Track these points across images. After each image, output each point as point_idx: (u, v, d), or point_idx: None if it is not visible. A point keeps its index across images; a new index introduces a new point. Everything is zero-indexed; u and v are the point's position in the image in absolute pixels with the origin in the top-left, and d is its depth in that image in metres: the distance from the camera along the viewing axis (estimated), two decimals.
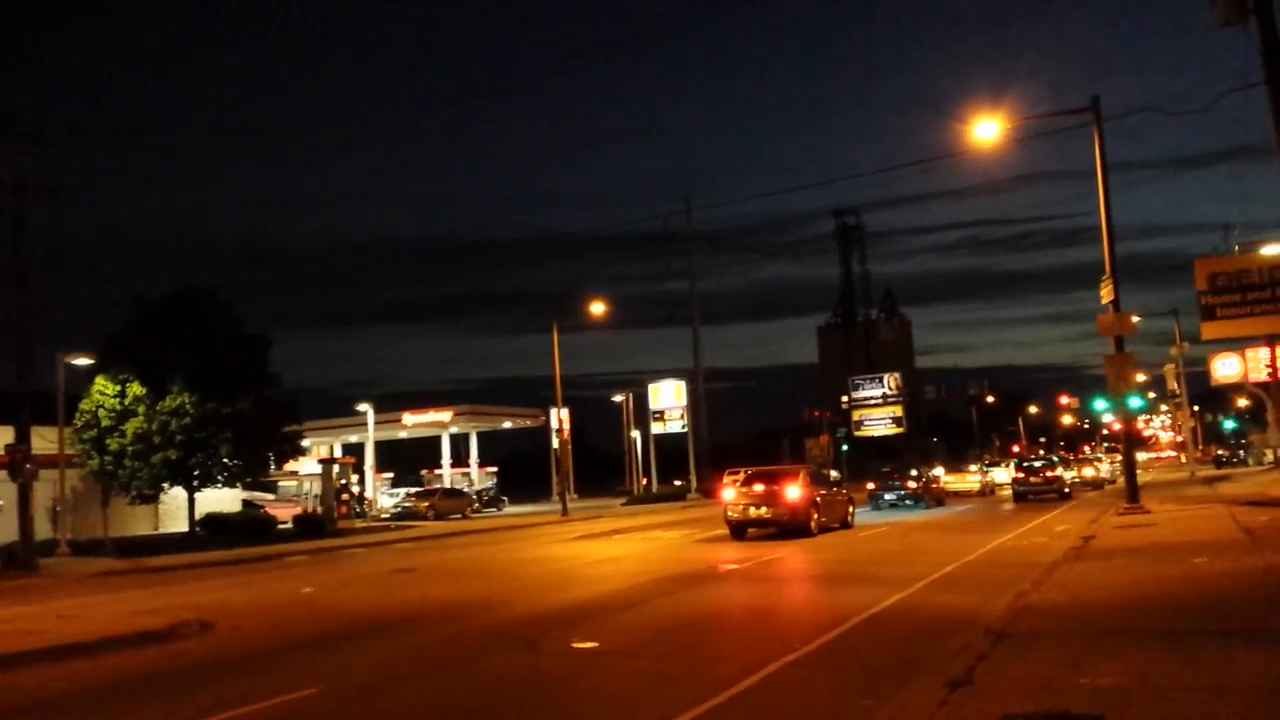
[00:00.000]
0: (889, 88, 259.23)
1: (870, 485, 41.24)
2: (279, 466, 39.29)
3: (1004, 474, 54.69)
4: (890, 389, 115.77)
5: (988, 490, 51.79)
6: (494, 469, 74.31)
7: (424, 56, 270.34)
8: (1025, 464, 47.10)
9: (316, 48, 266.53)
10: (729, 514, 24.92)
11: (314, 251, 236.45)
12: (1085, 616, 9.30)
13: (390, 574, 19.20)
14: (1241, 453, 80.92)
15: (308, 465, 51.51)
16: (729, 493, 25.96)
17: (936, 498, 40.73)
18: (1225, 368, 44.78)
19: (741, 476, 26.05)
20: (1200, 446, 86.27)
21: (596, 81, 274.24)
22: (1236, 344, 40.07)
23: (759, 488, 24.89)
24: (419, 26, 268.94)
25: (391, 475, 67.13)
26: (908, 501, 38.56)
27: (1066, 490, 43.23)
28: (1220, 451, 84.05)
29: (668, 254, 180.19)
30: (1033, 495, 41.72)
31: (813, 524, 24.05)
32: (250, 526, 33.39)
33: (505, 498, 62.58)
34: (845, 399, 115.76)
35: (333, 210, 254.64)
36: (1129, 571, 12.40)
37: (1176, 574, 11.75)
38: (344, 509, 39.04)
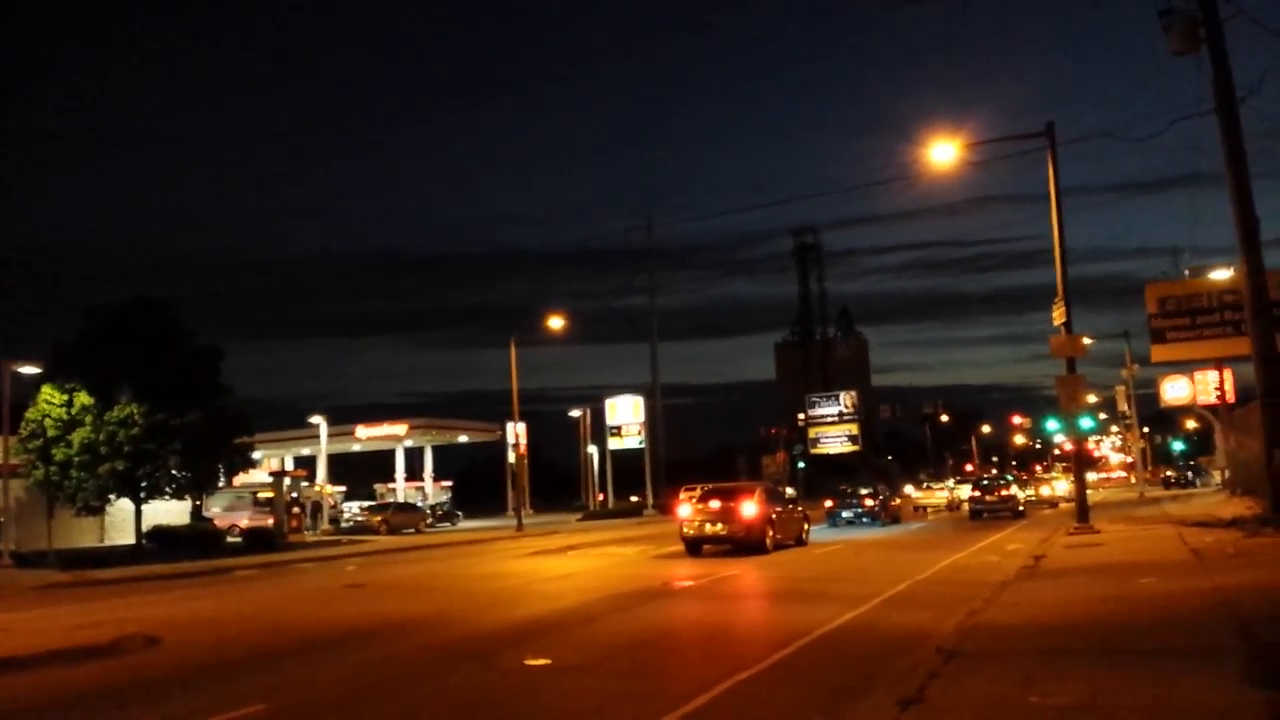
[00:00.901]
0: (848, 110, 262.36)
1: (829, 503, 41.74)
2: (229, 479, 38.76)
3: (968, 490, 55.73)
4: (846, 407, 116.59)
5: (955, 505, 53.92)
6: (449, 483, 73.78)
7: (384, 71, 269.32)
8: (981, 483, 48.65)
9: (275, 62, 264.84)
10: (685, 530, 24.89)
11: (269, 263, 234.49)
12: (1035, 635, 9.37)
13: (341, 589, 18.97)
14: (1190, 474, 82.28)
15: (259, 479, 50.87)
16: (685, 509, 25.82)
17: (893, 515, 41.34)
18: (1174, 390, 45.56)
19: (698, 493, 26.13)
20: (1149, 467, 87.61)
21: (557, 98, 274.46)
22: (1185, 367, 40.85)
23: (715, 504, 24.86)
24: (377, 42, 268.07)
25: (344, 489, 66.48)
26: (865, 519, 38.95)
27: (1020, 509, 44.24)
28: (1169, 473, 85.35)
29: (627, 270, 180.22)
30: (988, 513, 42.77)
31: (768, 541, 24.15)
32: (199, 540, 32.93)
33: (460, 512, 62.15)
34: (802, 416, 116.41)
35: (289, 223, 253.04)
36: (1079, 591, 12.53)
37: (1125, 594, 11.89)
38: (295, 522, 38.54)
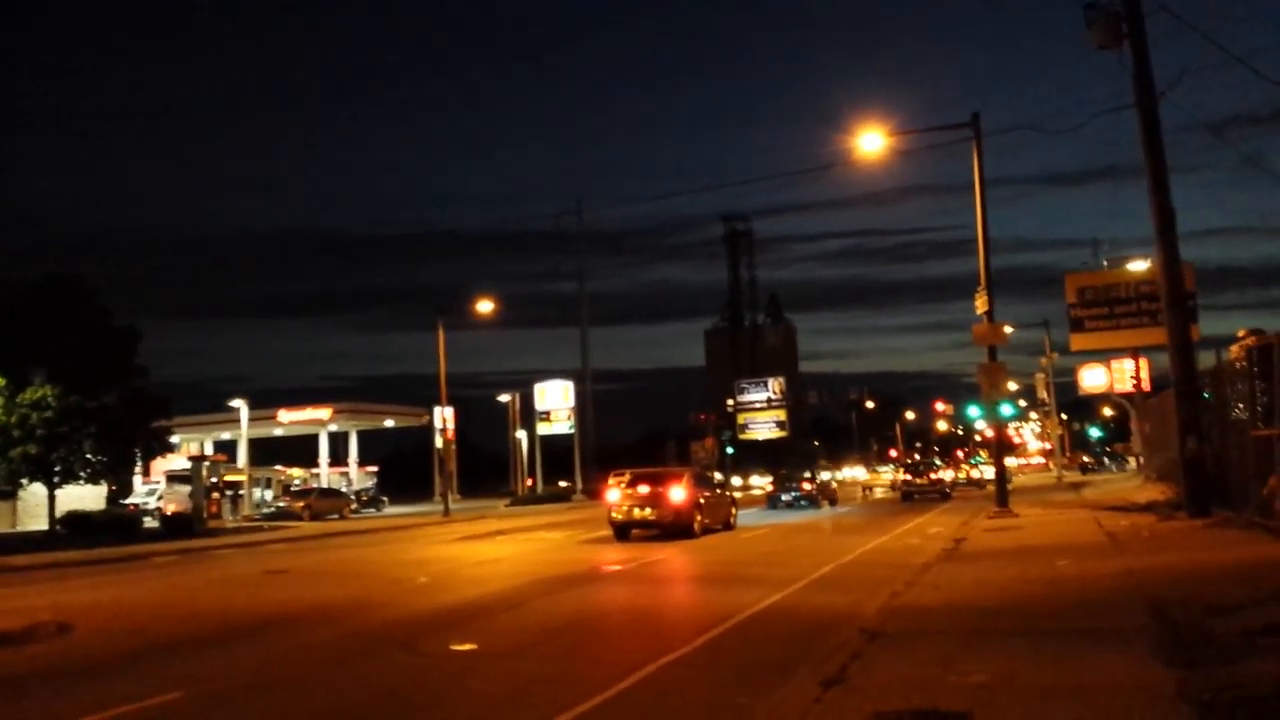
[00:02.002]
0: (777, 97, 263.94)
1: (769, 487, 43.58)
2: (146, 463, 37.92)
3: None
4: (775, 393, 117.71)
5: (897, 486, 55.40)
6: (374, 469, 73.01)
7: (310, 49, 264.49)
8: (911, 467, 51.97)
9: (197, 38, 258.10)
10: (613, 515, 24.94)
11: (188, 242, 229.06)
12: (955, 616, 9.54)
13: (262, 575, 18.65)
14: (1106, 460, 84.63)
15: (177, 463, 49.81)
16: (613, 494, 26.10)
17: (830, 498, 42.69)
18: (1092, 378, 46.82)
19: (626, 478, 26.21)
20: (1067, 453, 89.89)
21: (486, 79, 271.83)
22: (1103, 355, 41.94)
23: (643, 489, 24.96)
24: (304, 20, 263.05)
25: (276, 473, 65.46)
26: (803, 502, 40.18)
27: (947, 491, 46.33)
28: (1086, 458, 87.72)
29: (557, 254, 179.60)
30: (918, 495, 44.82)
31: (696, 525, 24.28)
32: (115, 525, 32.18)
33: (385, 498, 61.53)
34: (731, 402, 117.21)
35: (209, 201, 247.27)
36: (997, 573, 12.79)
37: (1042, 576, 12.17)
38: (214, 508, 37.82)
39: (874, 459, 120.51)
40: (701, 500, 25.26)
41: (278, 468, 60.70)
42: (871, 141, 26.64)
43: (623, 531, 24.68)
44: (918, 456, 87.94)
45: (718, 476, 46.05)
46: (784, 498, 40.95)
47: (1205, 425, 18.02)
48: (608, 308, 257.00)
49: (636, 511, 24.44)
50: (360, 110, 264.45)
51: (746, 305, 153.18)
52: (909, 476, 48.35)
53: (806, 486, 42.13)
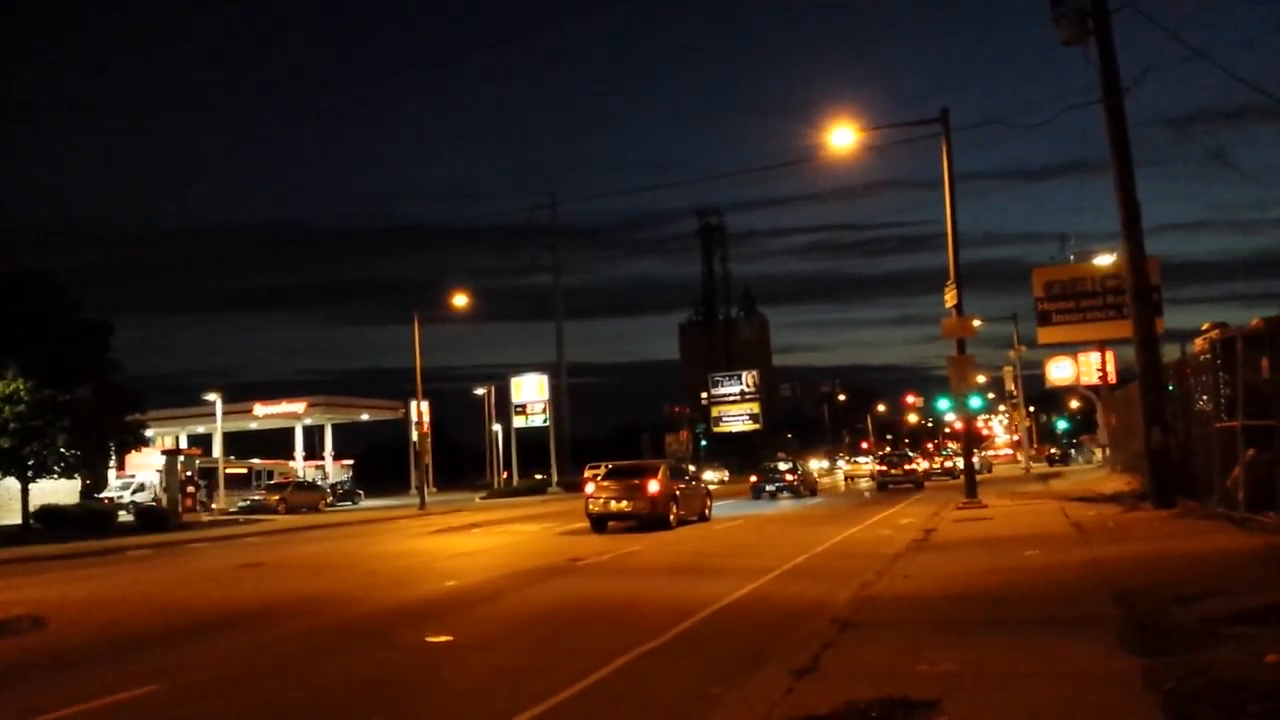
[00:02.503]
0: (749, 92, 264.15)
1: (753, 478, 45.50)
2: (120, 457, 37.66)
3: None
4: (748, 386, 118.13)
5: (875, 476, 58.27)
6: (350, 462, 72.71)
7: (284, 42, 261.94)
8: (887, 458, 54.45)
9: (171, 30, 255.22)
10: (590, 507, 25.07)
11: (163, 236, 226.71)
12: (925, 606, 9.68)
13: (237, 569, 18.61)
14: (1073, 452, 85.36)
15: (152, 457, 49.43)
16: (590, 486, 26.47)
17: (810, 488, 45.49)
18: (1059, 371, 47.25)
19: (602, 471, 26.32)
20: (1035, 445, 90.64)
21: (459, 73, 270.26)
22: (1070, 348, 42.34)
23: (620, 482, 25.25)
24: (277, 13, 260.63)
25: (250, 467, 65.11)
26: (785, 492, 42.56)
27: (921, 481, 48.86)
28: (1053, 450, 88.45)
29: (532, 248, 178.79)
30: (893, 485, 46.89)
31: (672, 517, 24.61)
32: (89, 520, 31.95)
33: (361, 491, 61.32)
34: (705, 395, 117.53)
35: (183, 194, 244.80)
36: (966, 563, 12.96)
37: (1010, 565, 12.34)
38: (189, 501, 37.62)
39: (846, 451, 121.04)
40: (677, 492, 25.50)
41: (278, 460, 60.77)
42: (842, 137, 26.82)
43: (600, 523, 24.80)
44: (889, 449, 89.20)
45: (691, 468, 46.53)
46: (768, 488, 42.52)
47: (1170, 417, 18.29)
48: (582, 301, 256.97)
49: (613, 504, 24.62)
50: (335, 104, 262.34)
51: (720, 299, 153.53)
52: (885, 467, 50.30)
53: (789, 477, 43.78)
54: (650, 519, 24.33)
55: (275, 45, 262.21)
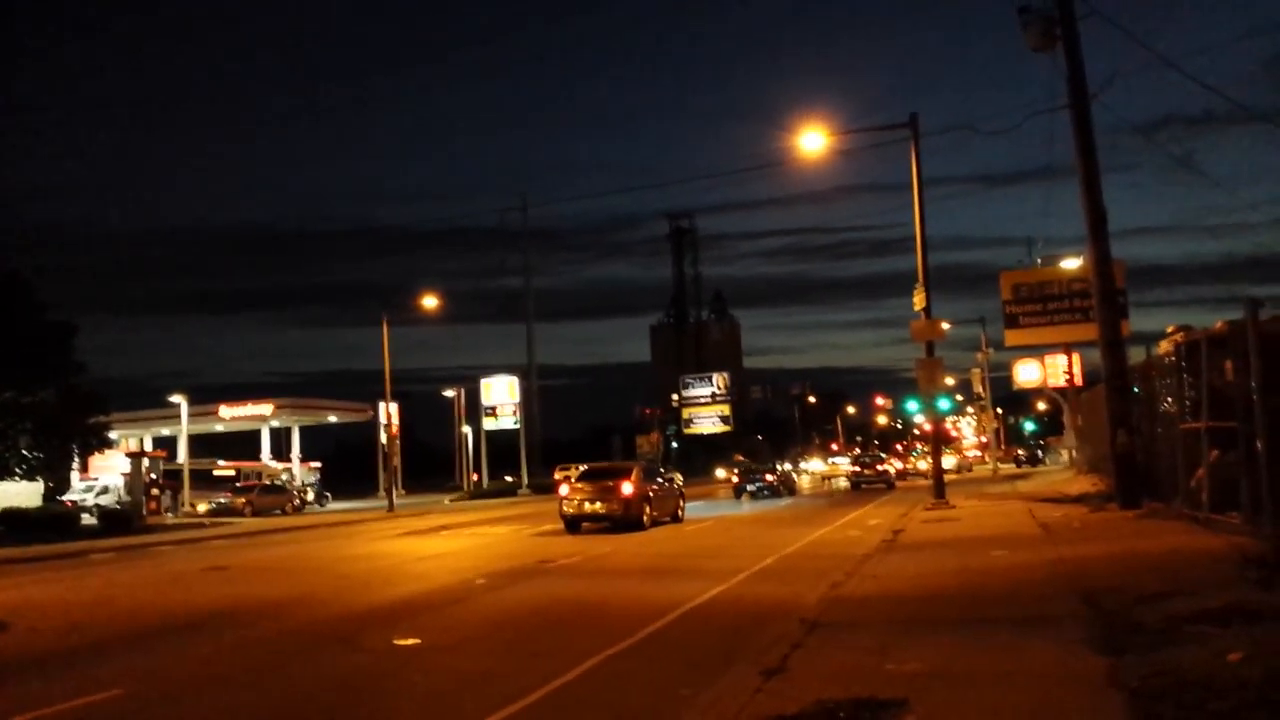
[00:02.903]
0: (721, 96, 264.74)
1: (735, 479, 48.13)
2: (84, 460, 37.23)
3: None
4: (719, 388, 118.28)
5: (850, 476, 61.17)
6: (318, 464, 72.16)
7: (255, 42, 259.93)
8: (861, 459, 58.11)
9: (136, 28, 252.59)
10: (564, 509, 25.18)
11: (128, 236, 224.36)
12: (893, 606, 9.72)
13: (203, 572, 18.42)
14: (1039, 453, 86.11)
15: (116, 460, 48.87)
16: (564, 488, 26.74)
17: (790, 488, 47.66)
18: (1026, 373, 47.55)
19: (576, 473, 26.56)
20: (1003, 447, 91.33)
21: (429, 75, 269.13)
22: (1037, 350, 42.65)
23: (594, 483, 25.40)
24: (249, 10, 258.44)
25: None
26: (765, 492, 44.21)
27: (892, 481, 51.45)
28: (1020, 451, 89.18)
29: (502, 250, 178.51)
30: (865, 484, 49.90)
31: (646, 518, 24.82)
32: (52, 523, 31.48)
33: (328, 494, 60.88)
34: (676, 397, 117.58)
35: (149, 194, 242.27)
36: (934, 563, 13.03)
37: (978, 566, 12.42)
38: (154, 504, 37.21)
39: (816, 452, 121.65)
40: (651, 493, 25.69)
41: (270, 463, 60.31)
42: (812, 141, 26.95)
43: (574, 525, 24.87)
44: (858, 450, 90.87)
45: (664, 470, 47.12)
46: (749, 488, 44.29)
47: (1135, 419, 18.48)
48: (553, 303, 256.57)
49: (588, 505, 24.71)
50: (303, 105, 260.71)
51: (691, 301, 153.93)
52: (858, 468, 53.93)
53: (769, 478, 46.19)
54: (624, 520, 24.43)
55: (244, 44, 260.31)
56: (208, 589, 15.44)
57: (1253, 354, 9.50)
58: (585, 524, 24.89)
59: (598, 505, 24.62)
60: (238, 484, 52.81)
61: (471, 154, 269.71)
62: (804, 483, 66.57)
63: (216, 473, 55.94)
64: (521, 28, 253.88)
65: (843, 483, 61.11)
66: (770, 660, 7.36)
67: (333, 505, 56.17)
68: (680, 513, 28.00)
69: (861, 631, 8.43)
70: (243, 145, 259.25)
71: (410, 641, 9.80)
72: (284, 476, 59.08)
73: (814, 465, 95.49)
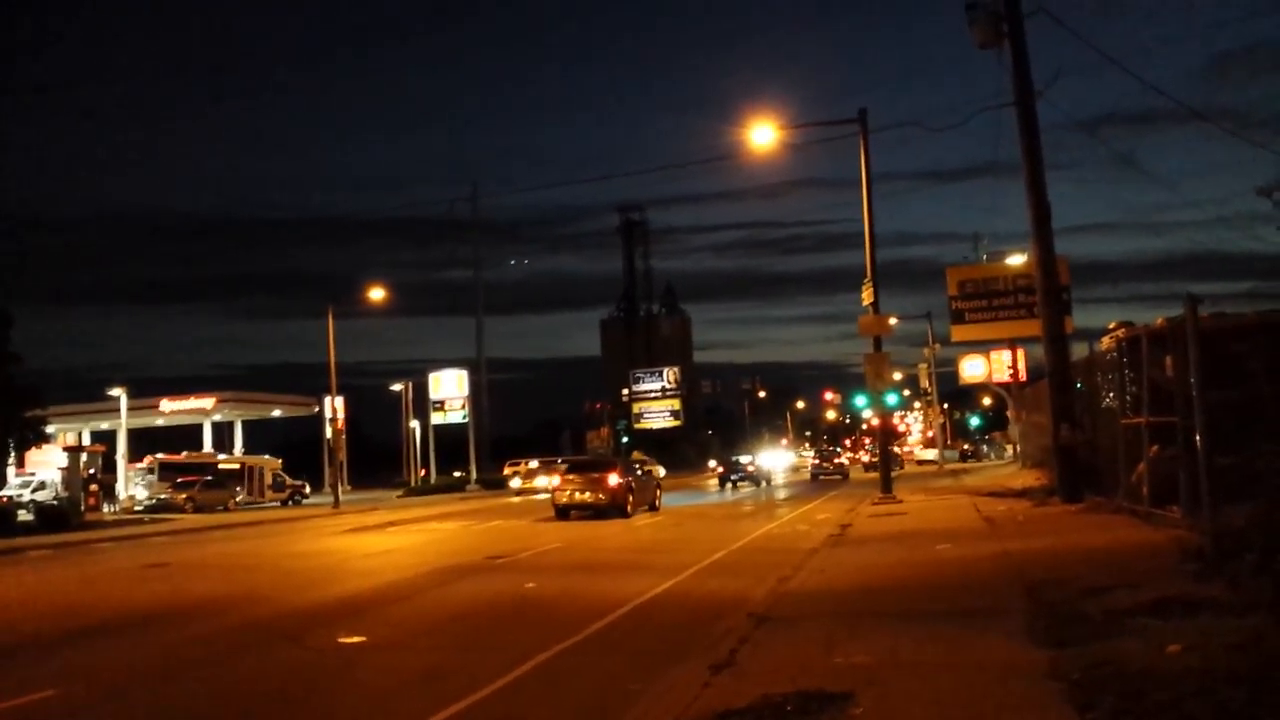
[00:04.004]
0: (669, 88, 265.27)
1: (720, 469, 55.83)
2: (20, 454, 36.36)
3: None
4: (670, 383, 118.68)
5: (811, 469, 67.04)
6: (279, 461, 71.04)
7: (197, 24, 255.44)
8: (821, 453, 65.56)
9: (82, 9, 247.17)
10: (556, 499, 27.41)
11: (66, 223, 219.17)
12: (840, 600, 9.78)
13: (143, 569, 18.07)
14: (984, 447, 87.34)
15: (53, 454, 47.83)
16: (555, 479, 29.46)
17: (766, 478, 53.43)
18: (972, 368, 48.31)
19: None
20: (949, 441, 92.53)
21: (379, 63, 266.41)
22: (982, 346, 43.29)
23: (583, 475, 27.76)
24: None
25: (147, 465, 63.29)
26: (746, 481, 50.55)
27: (848, 472, 57.60)
28: (966, 446, 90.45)
29: (450, 242, 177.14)
30: (823, 475, 55.87)
31: (629, 507, 26.92)
32: None
33: (306, 485, 59.89)
34: (626, 392, 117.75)
35: (86, 181, 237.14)
36: (881, 557, 13.14)
37: (923, 559, 12.54)
38: (92, 500, 36.45)
39: (767, 447, 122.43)
40: (633, 484, 28.05)
41: (266, 457, 59.21)
42: (763, 135, 27.02)
43: (564, 513, 27.00)
44: (824, 445, 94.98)
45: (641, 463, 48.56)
46: (733, 477, 50.79)
47: (1078, 414, 18.75)
48: (502, 297, 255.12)
49: (577, 495, 26.91)
50: (248, 90, 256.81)
51: (642, 295, 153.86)
52: (819, 460, 60.57)
53: (750, 469, 52.25)
54: (610, 508, 26.52)
55: (184, 25, 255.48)
56: (148, 586, 15.15)
57: (1192, 350, 9.66)
58: (574, 511, 26.94)
59: (586, 495, 26.76)
60: (240, 479, 51.86)
61: (421, 144, 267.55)
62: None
63: (223, 466, 55.45)
64: (473, 16, 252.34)
65: (804, 473, 66.60)
66: (719, 654, 7.36)
67: (273, 501, 55.36)
68: (657, 502, 30.07)
69: (809, 625, 8.46)
70: (186, 131, 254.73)
71: (356, 639, 9.68)
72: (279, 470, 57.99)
73: (788, 457, 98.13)
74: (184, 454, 55.50)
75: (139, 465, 55.09)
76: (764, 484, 50.90)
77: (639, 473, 30.96)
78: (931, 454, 72.83)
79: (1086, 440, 18.39)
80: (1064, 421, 18.50)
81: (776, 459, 77.21)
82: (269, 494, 53.37)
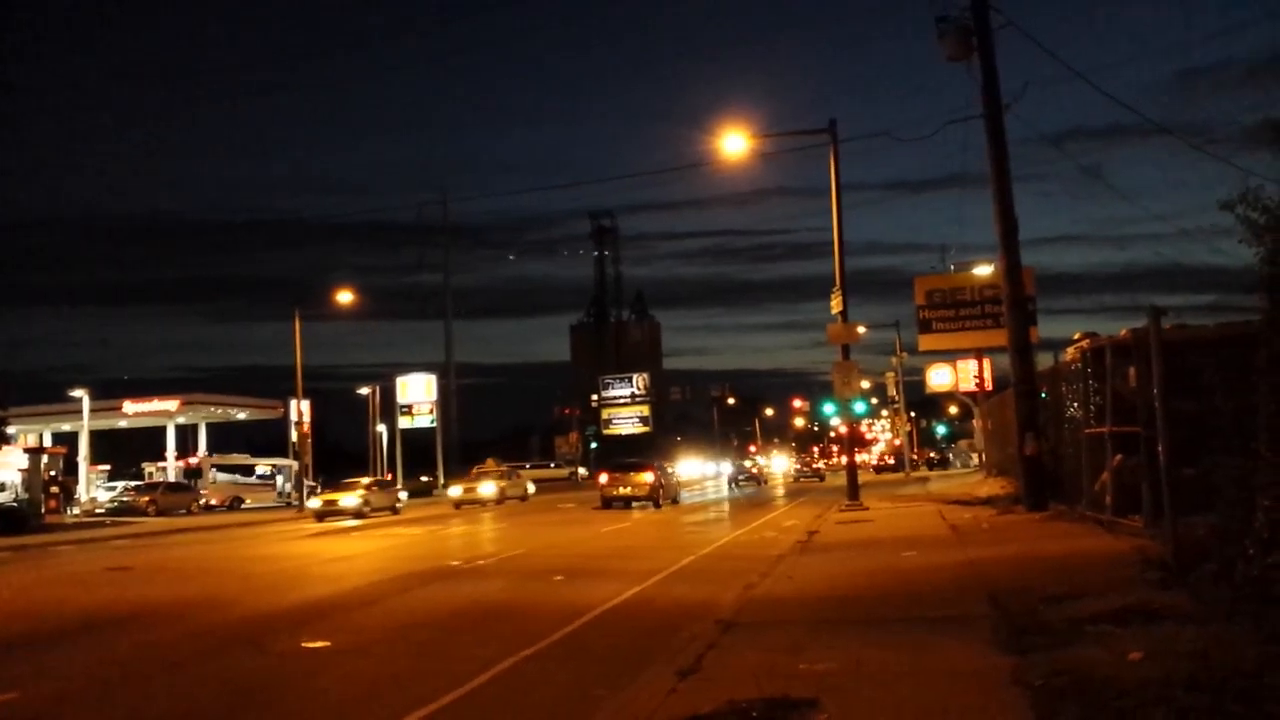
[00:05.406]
0: (638, 95, 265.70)
1: (730, 471, 65.63)
2: None
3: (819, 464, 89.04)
4: (639, 389, 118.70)
5: (795, 472, 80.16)
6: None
7: (165, 26, 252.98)
8: (801, 459, 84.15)
9: (50, 10, 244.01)
10: (604, 493, 33.96)
11: (27, 223, 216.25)
12: (806, 606, 9.80)
13: (104, 572, 17.84)
14: (950, 456, 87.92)
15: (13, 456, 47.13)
16: (604, 477, 36.14)
17: (764, 480, 64.13)
18: (938, 377, 48.60)
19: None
20: (916, 450, 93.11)
21: (350, 66, 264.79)
22: (949, 355, 43.57)
23: (625, 474, 34.55)
24: None
25: (109, 468, 62.50)
26: (750, 482, 60.20)
27: (823, 475, 67.49)
28: (932, 454, 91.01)
29: (419, 246, 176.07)
30: (804, 478, 67.68)
31: (661, 500, 33.53)
32: None
33: (315, 484, 59.24)
34: (595, 398, 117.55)
35: (46, 181, 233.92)
36: (847, 564, 13.19)
37: (889, 567, 12.59)
38: (53, 502, 35.98)
39: (734, 454, 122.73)
40: (663, 482, 34.79)
41: (276, 460, 58.87)
42: (734, 143, 27.14)
43: (608, 503, 33.19)
44: (768, 452, 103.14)
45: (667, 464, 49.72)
46: (741, 478, 60.68)
47: (1042, 423, 18.92)
48: (472, 301, 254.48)
49: (621, 490, 33.65)
50: (216, 94, 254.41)
51: (612, 301, 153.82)
52: (800, 466, 77.97)
53: (755, 471, 64.02)
54: (648, 500, 33.09)
55: (151, 27, 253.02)
56: (110, 590, 14.96)
57: (1155, 361, 9.77)
58: (616, 503, 33.15)
59: (628, 489, 33.51)
60: (138, 484, 51.41)
61: (390, 149, 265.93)
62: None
63: (236, 463, 56.20)
64: (444, 21, 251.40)
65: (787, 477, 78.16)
66: (685, 660, 7.36)
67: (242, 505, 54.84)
68: (678, 498, 37.89)
69: (776, 631, 8.47)
70: (152, 134, 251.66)
71: (319, 644, 9.59)
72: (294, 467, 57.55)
73: (781, 462, 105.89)
74: (232, 456, 59.04)
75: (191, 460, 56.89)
76: (764, 485, 60.77)
77: (667, 472, 38.41)
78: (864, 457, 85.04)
79: (1051, 449, 18.57)
80: (1029, 431, 18.66)
81: (777, 463, 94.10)
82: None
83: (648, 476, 33.74)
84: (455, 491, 44.48)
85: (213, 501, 50.26)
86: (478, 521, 26.59)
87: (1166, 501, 9.64)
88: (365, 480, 41.29)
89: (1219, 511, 7.89)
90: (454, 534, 25.02)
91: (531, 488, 51.10)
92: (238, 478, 55.57)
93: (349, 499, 35.43)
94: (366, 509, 35.05)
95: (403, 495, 42.47)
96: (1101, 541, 12.84)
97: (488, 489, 43.70)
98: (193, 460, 56.81)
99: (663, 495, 33.94)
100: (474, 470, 53.94)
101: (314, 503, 37.91)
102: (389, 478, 58.60)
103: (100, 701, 7.56)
